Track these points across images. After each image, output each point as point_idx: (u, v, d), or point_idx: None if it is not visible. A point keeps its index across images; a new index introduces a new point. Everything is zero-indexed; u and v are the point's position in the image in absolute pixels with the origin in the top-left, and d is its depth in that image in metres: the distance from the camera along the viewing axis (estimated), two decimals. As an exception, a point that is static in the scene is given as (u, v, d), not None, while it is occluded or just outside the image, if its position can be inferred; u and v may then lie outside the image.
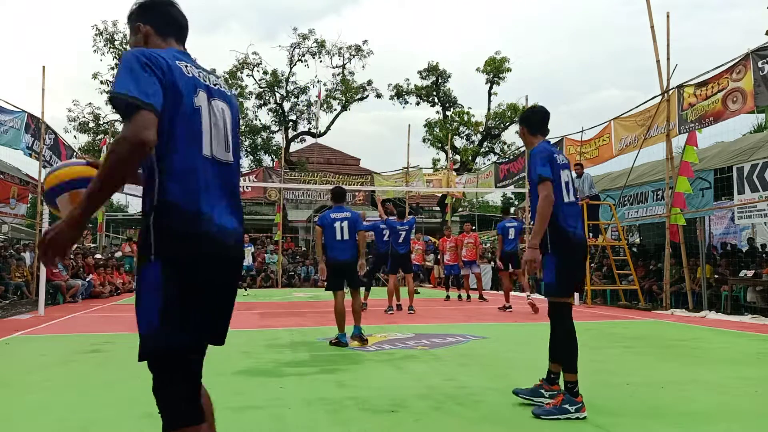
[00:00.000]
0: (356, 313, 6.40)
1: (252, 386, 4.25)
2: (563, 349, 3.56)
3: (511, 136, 46.84)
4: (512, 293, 12.82)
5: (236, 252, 1.98)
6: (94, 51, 22.35)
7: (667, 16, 10.60)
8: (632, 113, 12.41)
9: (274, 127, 26.55)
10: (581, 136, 14.47)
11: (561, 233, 3.57)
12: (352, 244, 6.25)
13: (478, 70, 26.45)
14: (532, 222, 3.72)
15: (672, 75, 10.83)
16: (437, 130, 26.62)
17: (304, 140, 28.21)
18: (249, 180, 20.56)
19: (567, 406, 3.35)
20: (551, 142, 4.01)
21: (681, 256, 10.59)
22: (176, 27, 2.07)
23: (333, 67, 26.41)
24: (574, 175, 3.97)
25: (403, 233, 9.89)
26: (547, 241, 3.55)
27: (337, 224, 6.22)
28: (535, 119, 3.91)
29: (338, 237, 6.20)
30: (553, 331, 3.66)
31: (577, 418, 3.31)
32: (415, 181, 21.57)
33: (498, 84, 26.49)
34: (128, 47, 2.04)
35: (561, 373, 3.61)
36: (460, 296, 13.19)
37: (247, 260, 14.99)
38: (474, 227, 16.64)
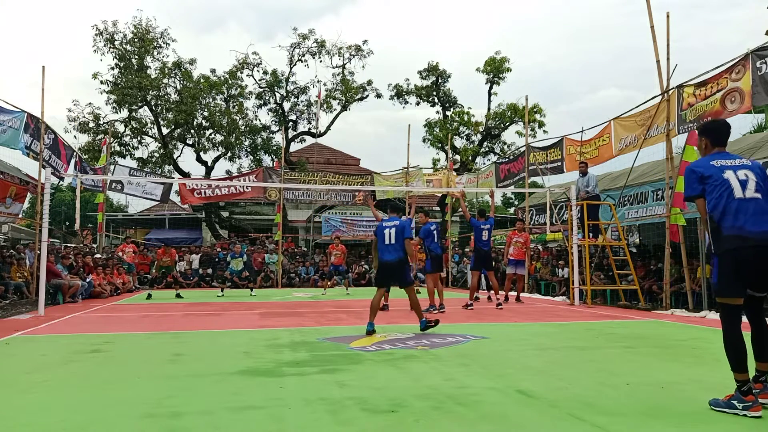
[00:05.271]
0: (415, 309, 7.33)
1: (252, 386, 4.25)
2: (726, 349, 3.63)
3: (511, 136, 47.00)
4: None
5: None
6: (94, 51, 22.24)
7: (667, 16, 10.59)
8: (632, 113, 12.40)
9: (274, 127, 26.50)
10: (581, 136, 14.45)
11: (717, 233, 3.62)
12: (398, 247, 7.18)
13: (478, 70, 26.39)
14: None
15: (672, 75, 10.84)
16: (437, 130, 26.56)
17: (304, 140, 28.16)
18: (249, 180, 20.60)
19: (735, 402, 3.46)
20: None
21: (681, 256, 10.60)
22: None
23: (333, 67, 26.34)
24: (750, 174, 3.66)
25: (486, 231, 10.95)
26: (711, 243, 3.68)
27: (386, 230, 7.30)
28: (715, 131, 3.88)
29: (386, 241, 7.25)
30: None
31: (745, 415, 3.37)
32: (415, 181, 21.55)
33: (498, 84, 26.42)
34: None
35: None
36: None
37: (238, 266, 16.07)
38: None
